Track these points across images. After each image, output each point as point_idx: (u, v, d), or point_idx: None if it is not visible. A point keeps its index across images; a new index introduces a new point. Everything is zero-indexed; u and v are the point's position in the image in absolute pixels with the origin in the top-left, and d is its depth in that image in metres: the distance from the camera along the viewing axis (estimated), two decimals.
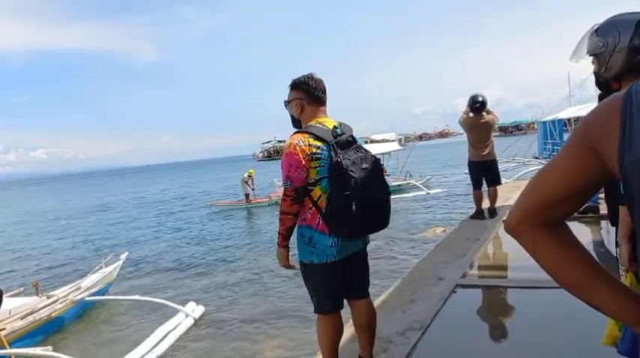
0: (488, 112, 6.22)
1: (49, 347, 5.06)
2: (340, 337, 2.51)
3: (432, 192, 17.34)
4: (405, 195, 16.97)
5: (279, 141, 77.55)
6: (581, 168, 0.76)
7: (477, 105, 6.14)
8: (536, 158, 19.69)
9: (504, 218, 6.04)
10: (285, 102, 2.52)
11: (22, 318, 5.90)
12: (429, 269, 4.34)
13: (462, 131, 6.58)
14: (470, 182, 6.61)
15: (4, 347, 5.08)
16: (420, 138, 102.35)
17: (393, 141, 32.01)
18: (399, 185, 18.56)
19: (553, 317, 3.04)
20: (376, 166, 2.39)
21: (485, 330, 3.31)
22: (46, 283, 8.84)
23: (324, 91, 2.46)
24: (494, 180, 6.37)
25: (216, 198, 24.50)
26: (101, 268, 7.88)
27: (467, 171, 6.67)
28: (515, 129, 63.17)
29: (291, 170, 2.26)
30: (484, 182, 6.38)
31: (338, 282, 2.41)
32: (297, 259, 2.45)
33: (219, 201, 21.56)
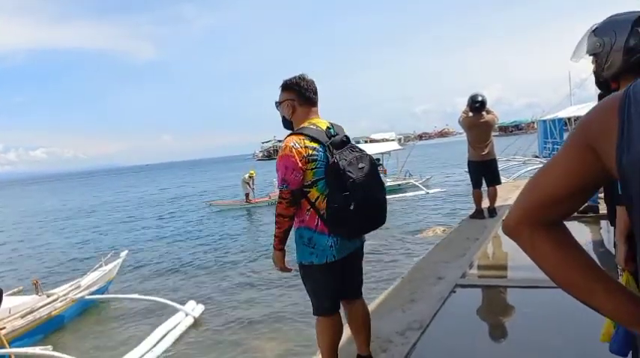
0: (488, 112, 6.22)
1: (49, 346, 5.06)
2: (340, 338, 2.52)
3: (431, 191, 17.34)
4: (405, 194, 16.98)
5: (279, 141, 77.50)
6: (580, 168, 0.76)
7: (477, 105, 6.14)
8: (537, 157, 19.69)
9: (504, 217, 6.05)
10: (276, 103, 2.51)
11: (22, 317, 5.90)
12: (429, 269, 4.35)
13: (462, 130, 6.58)
14: (469, 181, 6.61)
15: (3, 347, 5.08)
16: (420, 137, 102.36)
17: (392, 140, 32.02)
18: (399, 184, 18.57)
19: (552, 317, 3.05)
20: (372, 165, 2.39)
21: (485, 330, 3.32)
22: (46, 281, 8.84)
23: (315, 92, 2.45)
24: (494, 179, 6.37)
25: (216, 197, 24.50)
26: (101, 266, 7.89)
27: (466, 170, 6.68)
28: (515, 129, 63.17)
29: (288, 173, 2.26)
30: (484, 181, 6.38)
31: (337, 282, 2.41)
32: (296, 261, 2.45)
33: (218, 201, 21.57)
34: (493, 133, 6.48)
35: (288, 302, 6.90)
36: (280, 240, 2.37)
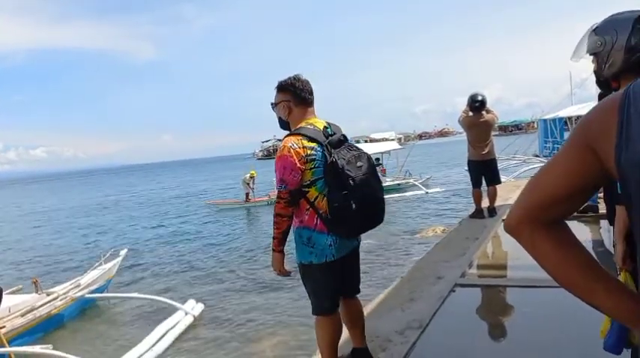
0: (488, 111, 6.22)
1: (49, 345, 5.06)
2: (339, 337, 2.52)
3: (430, 191, 17.34)
4: (404, 194, 16.98)
5: (279, 140, 76.81)
6: (580, 168, 0.76)
7: (477, 105, 6.13)
8: (537, 156, 19.70)
9: (504, 217, 6.03)
10: (272, 104, 2.52)
11: (21, 316, 5.91)
12: (428, 269, 4.34)
13: (462, 130, 6.58)
14: (469, 181, 6.61)
15: (3, 345, 5.08)
16: (420, 137, 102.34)
17: (392, 140, 32.01)
18: (398, 184, 18.57)
19: (552, 317, 3.05)
20: (371, 164, 2.40)
21: (484, 329, 3.31)
22: (46, 280, 8.84)
23: (310, 92, 2.45)
24: (494, 179, 6.37)
25: (216, 196, 24.53)
26: (100, 265, 7.89)
27: (466, 169, 6.67)
28: (515, 129, 63.18)
29: (286, 173, 2.26)
30: (483, 181, 6.38)
31: (337, 281, 2.42)
32: (295, 261, 2.45)
33: (218, 200, 21.58)
34: (493, 133, 6.48)
35: (288, 301, 6.91)
36: (279, 241, 2.35)
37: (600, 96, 2.45)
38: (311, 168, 2.29)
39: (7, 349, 5.04)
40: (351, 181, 2.23)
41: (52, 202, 36.27)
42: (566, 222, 0.83)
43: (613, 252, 2.02)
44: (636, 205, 0.71)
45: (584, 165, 0.76)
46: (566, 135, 19.65)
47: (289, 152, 2.26)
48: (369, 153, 2.56)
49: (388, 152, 19.57)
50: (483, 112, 6.17)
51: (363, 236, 2.55)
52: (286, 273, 2.43)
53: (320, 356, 2.56)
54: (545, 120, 21.59)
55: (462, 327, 3.21)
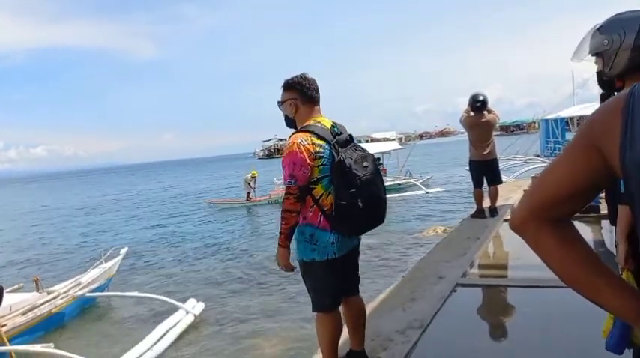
0: (489, 111, 6.22)
1: (51, 343, 5.06)
2: (340, 334, 2.52)
3: (431, 191, 17.34)
4: (404, 194, 16.99)
5: (280, 140, 77.54)
6: (584, 167, 0.77)
7: (478, 105, 6.14)
8: (538, 156, 19.69)
9: (505, 217, 6.04)
10: (278, 102, 2.54)
11: (22, 314, 5.91)
12: (430, 268, 4.35)
13: (463, 130, 6.59)
14: (470, 181, 6.61)
15: (4, 344, 5.09)
16: (421, 136, 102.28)
17: (393, 139, 32.03)
18: (399, 184, 18.57)
19: (553, 317, 3.05)
20: (375, 164, 2.43)
21: (486, 329, 3.32)
22: (46, 278, 8.85)
23: (317, 91, 2.47)
24: (495, 179, 6.37)
25: (217, 196, 24.55)
26: (101, 263, 7.90)
27: (467, 168, 6.67)
28: (516, 129, 63.17)
29: (296, 168, 2.27)
30: (485, 181, 6.38)
31: (338, 279, 2.43)
32: (296, 258, 2.45)
33: (218, 199, 21.62)
34: (494, 133, 6.48)
35: (289, 299, 6.91)
36: (286, 236, 2.36)
37: (602, 97, 2.45)
38: (319, 166, 2.31)
39: (8, 347, 5.05)
40: (358, 180, 2.25)
41: (52, 201, 36.32)
42: None
43: (614, 252, 2.02)
44: (638, 204, 0.71)
45: (588, 165, 0.77)
46: (568, 135, 19.71)
47: (299, 148, 2.28)
48: (368, 151, 2.57)
49: (389, 152, 19.57)
50: (485, 112, 6.17)
51: (364, 235, 2.56)
52: (291, 269, 2.44)
53: (321, 354, 2.57)
54: (546, 121, 21.58)
55: (464, 327, 3.21)
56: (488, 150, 6.21)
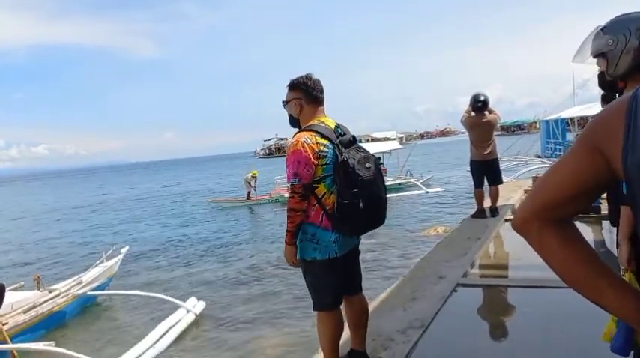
0: (490, 111, 6.22)
1: (52, 342, 5.08)
2: (341, 333, 2.53)
3: (431, 191, 17.33)
4: (404, 193, 16.97)
5: (281, 139, 77.57)
6: (587, 168, 0.78)
7: (479, 105, 6.14)
8: (539, 157, 19.68)
9: (506, 217, 6.04)
10: (283, 102, 2.56)
11: (24, 312, 5.92)
12: (430, 268, 4.35)
13: (464, 130, 6.59)
14: (471, 181, 6.62)
15: (6, 342, 5.10)
16: (422, 136, 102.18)
17: (394, 139, 32.01)
18: (399, 184, 18.57)
19: (553, 317, 3.05)
20: (377, 166, 2.45)
21: (486, 329, 3.32)
22: (47, 277, 8.87)
23: (321, 91, 2.50)
24: (496, 179, 6.38)
25: (218, 195, 24.56)
26: (102, 262, 7.91)
27: (468, 169, 6.68)
28: (517, 129, 63.16)
29: (300, 167, 2.29)
30: (486, 181, 6.39)
31: (339, 278, 2.44)
32: (298, 256, 2.47)
33: (220, 198, 21.65)
34: (495, 133, 6.48)
35: (290, 298, 6.92)
36: (293, 234, 2.38)
37: (604, 98, 2.45)
38: (322, 165, 2.33)
39: (10, 345, 5.06)
40: (360, 181, 2.27)
41: (53, 200, 36.36)
42: None
43: (615, 253, 2.03)
44: None
45: (591, 166, 0.77)
46: (568, 136, 19.70)
47: (303, 147, 2.30)
48: (371, 153, 2.59)
49: (389, 151, 19.57)
50: (486, 112, 6.18)
51: (365, 235, 2.58)
52: (298, 265, 2.47)
53: (322, 353, 2.58)
54: (547, 121, 21.59)
55: (464, 327, 3.22)
56: (489, 150, 6.22)
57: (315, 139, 2.33)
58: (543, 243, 0.81)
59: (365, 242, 2.66)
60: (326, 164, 2.34)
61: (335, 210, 2.32)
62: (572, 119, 19.32)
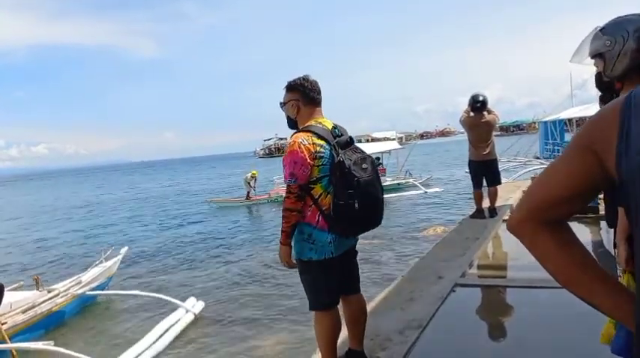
0: (489, 112, 6.23)
1: (51, 341, 5.08)
2: (338, 333, 2.54)
3: (429, 191, 17.33)
4: (403, 193, 16.96)
5: (280, 139, 77.52)
6: (581, 169, 0.78)
7: (478, 105, 6.14)
8: (537, 158, 19.71)
9: (504, 217, 6.05)
10: (280, 103, 2.58)
11: (23, 312, 5.92)
12: (429, 268, 4.36)
13: (463, 130, 6.60)
14: (470, 181, 6.62)
15: (5, 342, 5.10)
16: (422, 136, 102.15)
17: (393, 139, 32.00)
18: (399, 184, 18.57)
19: (551, 317, 3.06)
20: (374, 167, 2.47)
21: (484, 329, 3.33)
22: (46, 277, 8.87)
23: (319, 92, 2.52)
24: (495, 179, 6.38)
25: (217, 194, 24.56)
26: (101, 262, 7.90)
27: (467, 170, 6.68)
28: (516, 129, 63.20)
29: (296, 167, 2.31)
30: (484, 181, 6.39)
31: (336, 278, 2.45)
32: (294, 257, 2.48)
33: (219, 198, 21.67)
34: (494, 133, 6.49)
35: (289, 298, 6.92)
36: (288, 234, 2.40)
37: (602, 99, 2.46)
38: (318, 165, 2.34)
39: (9, 345, 5.06)
40: (356, 181, 2.28)
41: (53, 199, 36.30)
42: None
43: (613, 253, 2.03)
44: (634, 207, 0.72)
45: (585, 167, 0.77)
46: (567, 137, 19.71)
47: (299, 147, 2.31)
48: (370, 152, 2.61)
49: (388, 151, 19.57)
50: (484, 113, 6.18)
51: (362, 236, 2.59)
52: (293, 265, 2.48)
53: (319, 353, 2.58)
54: (545, 123, 21.61)
55: (462, 327, 3.22)
56: (487, 151, 6.22)
57: (312, 140, 2.34)
58: (537, 244, 0.82)
59: (363, 242, 2.66)
60: (322, 165, 2.35)
61: (331, 210, 2.33)
62: (570, 120, 19.35)
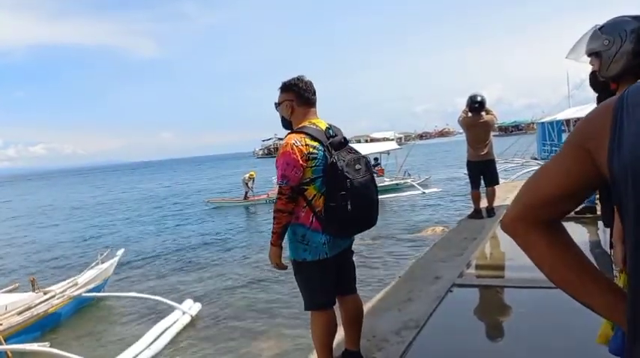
0: (487, 112, 6.23)
1: (47, 343, 5.06)
2: (334, 333, 2.54)
3: (427, 191, 17.33)
4: (401, 194, 16.96)
5: (279, 139, 77.36)
6: (575, 168, 0.77)
7: (476, 105, 6.15)
8: (535, 159, 19.73)
9: (502, 218, 6.05)
10: (275, 104, 2.58)
11: (18, 314, 5.89)
12: (426, 268, 4.35)
13: (462, 130, 6.60)
14: (468, 181, 6.62)
15: (0, 343, 5.08)
16: (421, 137, 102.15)
17: (392, 139, 32.01)
18: (397, 184, 18.57)
19: (549, 317, 3.05)
20: (368, 167, 2.47)
21: (482, 330, 3.32)
22: (42, 278, 8.83)
23: (313, 93, 2.51)
24: (493, 179, 6.39)
25: (216, 194, 24.54)
26: (97, 264, 7.88)
27: (465, 170, 6.68)
28: (514, 129, 63.31)
29: (288, 169, 2.30)
30: (482, 181, 6.39)
31: (331, 278, 2.45)
32: (288, 258, 2.47)
33: (217, 198, 21.66)
34: (493, 133, 6.49)
35: (286, 300, 6.90)
36: (279, 235, 2.39)
37: (599, 100, 2.45)
38: (311, 167, 2.33)
39: (5, 347, 5.04)
40: (348, 183, 2.27)
41: (50, 200, 36.22)
42: (564, 222, 0.84)
43: (610, 253, 2.02)
44: (625, 206, 0.71)
45: (579, 166, 0.77)
46: (564, 137, 19.72)
47: (292, 149, 2.30)
48: (368, 152, 2.60)
49: (387, 152, 19.57)
50: (482, 113, 6.18)
51: (360, 236, 2.58)
52: (283, 267, 2.48)
53: (315, 353, 2.57)
54: (543, 123, 21.64)
55: (459, 327, 3.21)
56: (485, 151, 6.22)
57: (305, 141, 2.33)
58: (530, 244, 0.81)
59: (360, 242, 2.66)
60: (315, 166, 2.34)
61: (323, 211, 2.32)
62: (568, 121, 19.38)
